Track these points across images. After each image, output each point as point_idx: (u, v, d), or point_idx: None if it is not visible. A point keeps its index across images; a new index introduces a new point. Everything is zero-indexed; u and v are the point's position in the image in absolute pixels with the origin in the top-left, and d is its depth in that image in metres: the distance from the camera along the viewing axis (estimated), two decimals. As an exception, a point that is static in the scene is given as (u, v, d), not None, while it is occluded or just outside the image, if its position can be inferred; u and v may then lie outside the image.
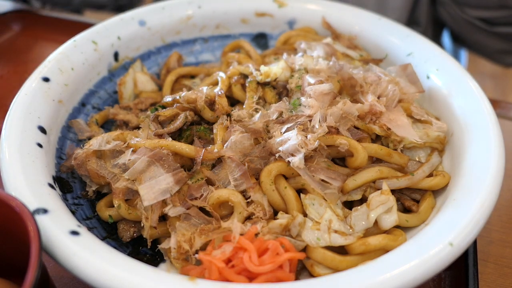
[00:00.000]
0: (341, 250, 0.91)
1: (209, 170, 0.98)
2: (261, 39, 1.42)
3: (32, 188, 0.87)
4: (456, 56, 2.27)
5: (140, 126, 1.07)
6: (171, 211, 0.92)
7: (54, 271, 0.94)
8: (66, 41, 1.19)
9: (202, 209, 0.94)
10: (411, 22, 1.83)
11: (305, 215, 0.93)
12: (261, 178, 0.95)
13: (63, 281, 0.96)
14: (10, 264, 0.85)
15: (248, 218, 0.94)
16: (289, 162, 0.93)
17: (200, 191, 0.94)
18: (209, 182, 0.97)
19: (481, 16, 1.69)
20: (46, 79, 1.08)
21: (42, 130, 1.00)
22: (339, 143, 0.96)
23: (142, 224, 0.94)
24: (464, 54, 2.35)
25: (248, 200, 0.94)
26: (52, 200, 0.87)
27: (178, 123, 1.04)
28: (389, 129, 1.03)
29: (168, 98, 1.11)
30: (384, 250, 0.90)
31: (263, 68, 1.12)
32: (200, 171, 0.97)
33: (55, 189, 0.92)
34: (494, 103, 1.10)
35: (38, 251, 0.69)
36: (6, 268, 0.86)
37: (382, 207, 0.93)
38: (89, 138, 1.08)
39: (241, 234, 0.89)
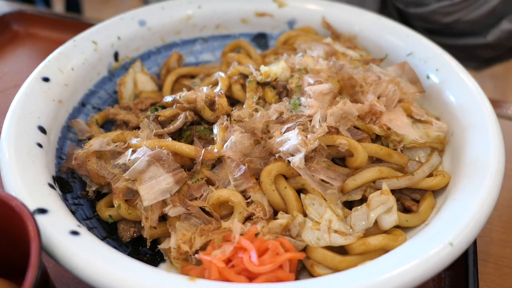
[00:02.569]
0: (341, 250, 0.91)
1: (209, 170, 0.98)
2: (261, 39, 1.42)
3: (32, 188, 0.87)
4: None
5: (140, 126, 1.07)
6: (171, 211, 0.92)
7: (54, 271, 0.94)
8: (66, 41, 1.19)
9: (202, 209, 0.94)
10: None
11: (305, 215, 0.93)
12: (261, 178, 0.95)
13: (63, 281, 0.96)
14: (10, 264, 0.84)
15: (248, 218, 0.94)
16: (289, 162, 0.93)
17: (200, 191, 0.94)
18: (209, 182, 0.97)
19: (424, 26, 1.57)
20: (46, 79, 1.08)
21: (42, 130, 1.00)
22: (339, 143, 0.96)
23: (142, 224, 0.94)
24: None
25: (248, 200, 0.94)
26: (52, 200, 0.87)
27: (178, 123, 1.04)
28: (389, 129, 1.03)
29: (168, 98, 1.11)
30: (384, 250, 0.90)
31: (263, 68, 1.12)
32: (200, 171, 0.97)
33: (55, 189, 0.92)
34: (494, 103, 1.10)
35: (38, 251, 0.69)
36: (6, 268, 0.85)
37: (382, 207, 0.93)
38: (89, 138, 1.08)
39: (241, 234, 0.89)
